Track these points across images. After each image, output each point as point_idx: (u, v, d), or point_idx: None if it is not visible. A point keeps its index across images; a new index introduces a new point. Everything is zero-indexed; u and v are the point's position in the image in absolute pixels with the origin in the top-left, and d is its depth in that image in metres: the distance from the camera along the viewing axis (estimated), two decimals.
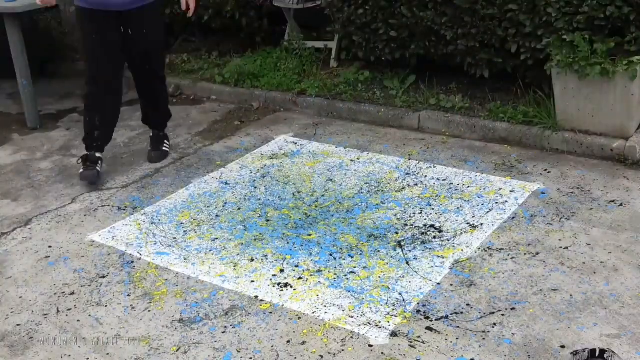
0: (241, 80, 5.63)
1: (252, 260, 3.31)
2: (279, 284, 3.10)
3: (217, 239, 3.52)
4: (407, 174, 4.10)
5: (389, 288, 3.01)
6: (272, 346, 2.71)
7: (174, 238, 3.56)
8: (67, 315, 3.00)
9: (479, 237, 3.37)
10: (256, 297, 3.02)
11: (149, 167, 4.48)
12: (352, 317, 2.84)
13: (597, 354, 2.44)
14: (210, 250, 3.42)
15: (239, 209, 3.81)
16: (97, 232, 3.67)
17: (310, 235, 3.50)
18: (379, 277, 3.10)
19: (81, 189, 4.20)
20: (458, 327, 2.74)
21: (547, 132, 4.29)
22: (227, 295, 3.05)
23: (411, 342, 2.67)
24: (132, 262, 3.37)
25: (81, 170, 4.24)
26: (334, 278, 3.12)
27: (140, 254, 3.43)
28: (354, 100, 5.11)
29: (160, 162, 4.54)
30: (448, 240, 3.36)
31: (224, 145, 4.77)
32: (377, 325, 2.77)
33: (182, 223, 3.70)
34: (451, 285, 3.02)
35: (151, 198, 4.03)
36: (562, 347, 2.60)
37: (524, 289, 2.95)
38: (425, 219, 3.57)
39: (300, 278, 3.13)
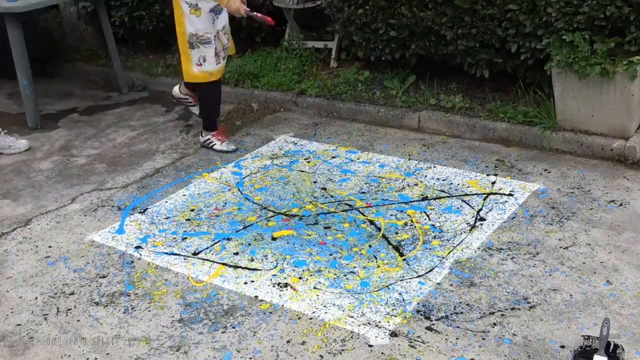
0: (241, 80, 5.63)
1: (252, 260, 3.31)
2: (279, 284, 3.10)
3: (217, 239, 3.52)
4: (407, 174, 4.10)
5: (389, 288, 3.02)
6: (272, 346, 2.71)
7: (174, 238, 3.56)
8: (67, 315, 3.00)
9: (479, 237, 3.37)
10: (256, 297, 3.02)
11: (149, 167, 4.48)
12: (352, 317, 2.84)
13: (610, 348, 2.45)
14: (210, 250, 3.42)
15: (239, 209, 3.81)
16: (97, 232, 3.67)
17: (310, 235, 3.50)
18: (379, 277, 3.10)
19: (81, 189, 4.20)
20: (458, 327, 2.75)
21: (547, 132, 4.29)
22: (227, 295, 3.05)
23: (411, 342, 2.67)
24: (132, 262, 3.37)
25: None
26: (334, 278, 3.12)
27: (140, 254, 3.43)
28: (354, 100, 5.11)
29: (161, 162, 4.54)
30: (448, 240, 3.36)
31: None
32: (377, 325, 2.77)
33: (182, 223, 3.70)
34: (451, 285, 3.02)
35: (151, 198, 4.03)
36: (562, 347, 2.60)
37: (524, 289, 2.95)
38: (425, 219, 3.57)
39: (300, 278, 3.13)
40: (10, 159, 4.73)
